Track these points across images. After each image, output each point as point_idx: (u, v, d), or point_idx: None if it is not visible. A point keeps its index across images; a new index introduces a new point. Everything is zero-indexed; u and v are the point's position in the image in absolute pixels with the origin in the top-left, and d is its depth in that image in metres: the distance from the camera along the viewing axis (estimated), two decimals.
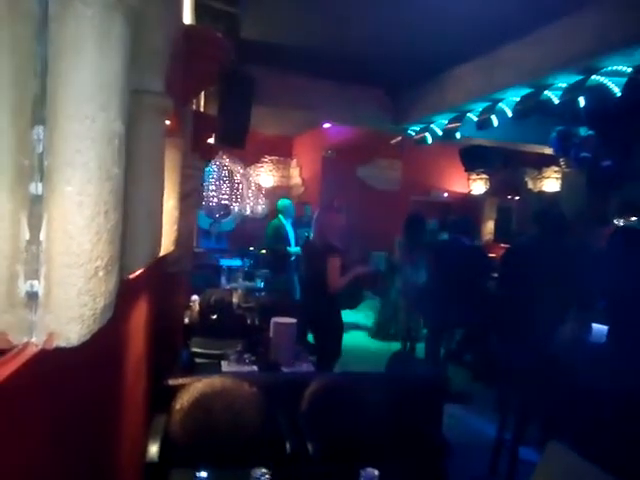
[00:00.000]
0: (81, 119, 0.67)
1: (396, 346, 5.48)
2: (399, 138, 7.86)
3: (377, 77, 6.65)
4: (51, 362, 0.70)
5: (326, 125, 8.48)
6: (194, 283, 5.08)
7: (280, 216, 6.67)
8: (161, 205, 1.51)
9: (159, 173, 1.40)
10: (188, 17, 2.38)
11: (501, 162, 8.51)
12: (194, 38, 1.85)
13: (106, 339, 0.74)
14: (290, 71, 6.41)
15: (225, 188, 9.78)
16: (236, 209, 9.81)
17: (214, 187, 9.65)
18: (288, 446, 2.19)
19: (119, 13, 0.70)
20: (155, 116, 1.29)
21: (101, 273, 0.69)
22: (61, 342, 0.66)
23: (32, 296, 0.66)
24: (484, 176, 10.01)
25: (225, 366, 3.17)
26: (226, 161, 9.62)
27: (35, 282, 0.66)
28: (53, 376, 0.78)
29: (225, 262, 7.10)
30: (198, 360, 3.50)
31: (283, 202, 6.79)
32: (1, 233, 0.65)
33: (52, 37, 0.67)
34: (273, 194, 9.97)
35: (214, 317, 4.28)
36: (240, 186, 9.90)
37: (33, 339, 0.66)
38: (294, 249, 6.48)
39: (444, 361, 4.98)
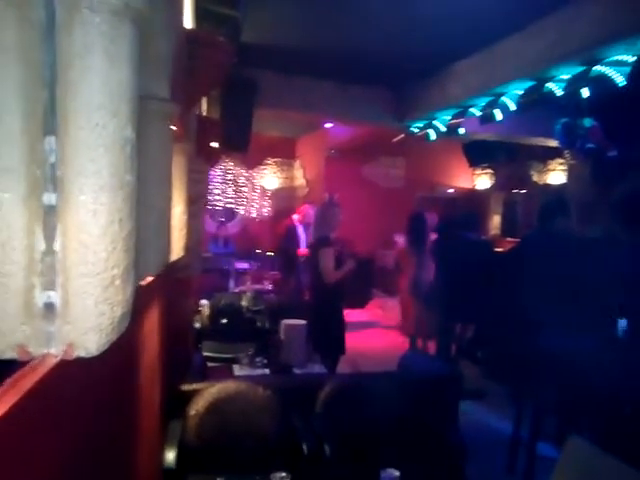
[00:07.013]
0: (92, 127, 0.66)
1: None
2: (402, 136, 7.84)
3: (378, 75, 6.63)
4: (71, 372, 0.69)
5: (328, 125, 8.46)
6: (203, 287, 5.09)
7: (294, 217, 6.74)
8: (170, 211, 1.50)
9: (167, 179, 1.39)
10: (189, 22, 2.38)
11: (505, 156, 8.46)
12: (197, 43, 1.85)
13: (122, 347, 0.73)
14: (291, 73, 6.40)
15: (230, 191, 9.80)
16: (241, 212, 9.82)
17: (219, 191, 9.67)
18: (305, 448, 2.18)
19: (127, 19, 0.69)
20: (161, 122, 1.29)
21: (117, 282, 0.68)
22: (80, 352, 0.66)
23: (49, 307, 0.65)
24: (489, 171, 9.97)
25: (237, 370, 3.17)
26: (230, 164, 9.64)
27: (52, 293, 0.65)
28: (73, 386, 0.77)
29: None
30: (210, 364, 3.50)
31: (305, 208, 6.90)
32: (16, 245, 0.64)
33: (59, 45, 0.66)
34: (277, 196, 9.98)
35: (224, 321, 4.28)
36: (244, 189, 9.91)
37: (52, 350, 0.65)
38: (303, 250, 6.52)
39: (455, 358, 4.95)
